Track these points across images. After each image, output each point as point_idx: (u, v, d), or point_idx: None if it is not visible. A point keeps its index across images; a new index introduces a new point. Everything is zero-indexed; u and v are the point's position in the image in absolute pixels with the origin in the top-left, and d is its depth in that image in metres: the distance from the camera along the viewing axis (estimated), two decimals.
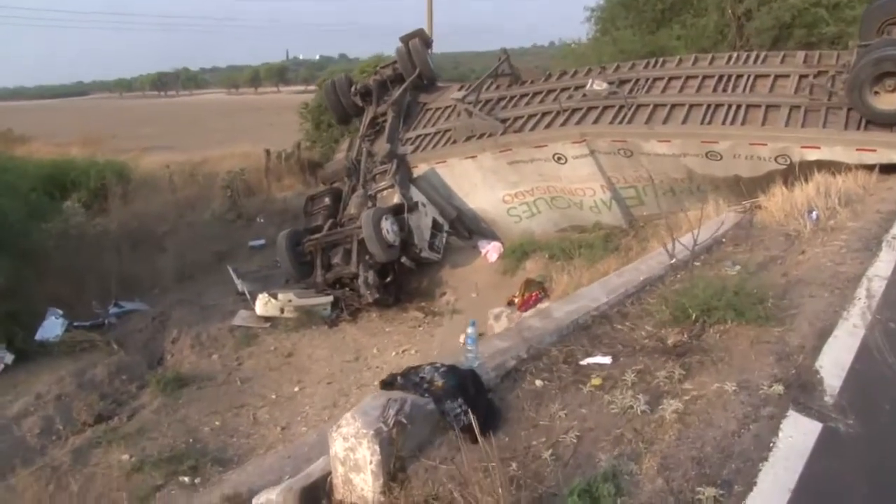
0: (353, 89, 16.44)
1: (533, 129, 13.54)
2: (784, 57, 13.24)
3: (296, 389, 11.26)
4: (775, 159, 11.55)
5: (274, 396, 11.08)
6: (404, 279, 14.48)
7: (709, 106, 12.36)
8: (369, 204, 14.16)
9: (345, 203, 14.72)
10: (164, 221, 16.70)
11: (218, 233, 17.17)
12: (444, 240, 14.79)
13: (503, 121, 14.08)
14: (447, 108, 15.34)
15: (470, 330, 5.34)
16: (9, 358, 11.58)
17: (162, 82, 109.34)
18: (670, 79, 13.46)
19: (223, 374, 11.78)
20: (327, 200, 14.88)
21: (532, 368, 5.43)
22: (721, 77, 12.98)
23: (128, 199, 16.95)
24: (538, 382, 5.15)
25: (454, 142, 14.45)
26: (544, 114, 13.79)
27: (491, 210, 14.91)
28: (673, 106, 12.67)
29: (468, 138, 14.23)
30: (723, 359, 5.18)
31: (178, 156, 23.77)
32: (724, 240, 8.59)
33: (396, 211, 13.78)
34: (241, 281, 14.25)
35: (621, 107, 12.93)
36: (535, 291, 11.35)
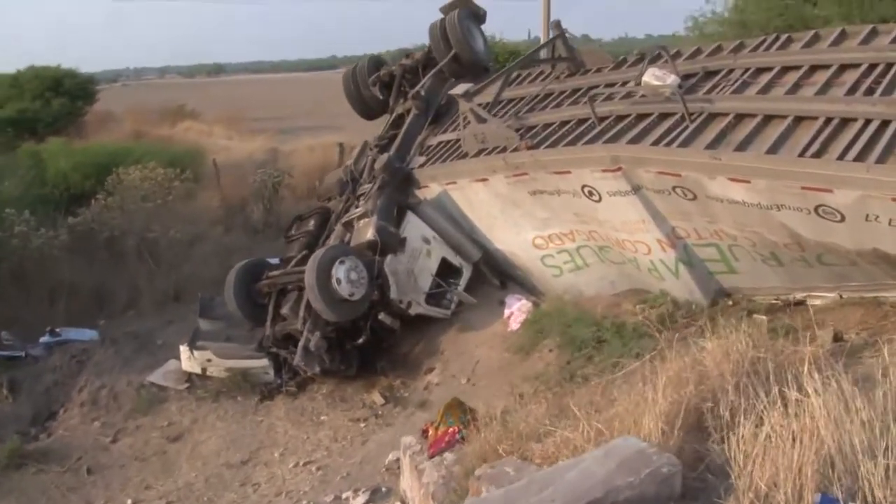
0: (373, 78, 12.65)
1: (552, 145, 8.87)
2: None
3: (129, 503, 8.14)
4: None
5: None
6: (395, 340, 10.64)
7: (827, 121, 6.89)
8: (346, 236, 10.49)
9: (329, 230, 11.15)
10: (185, 227, 14.29)
11: (243, 244, 14.53)
12: (456, 292, 10.63)
13: (528, 129, 9.52)
14: (485, 104, 10.93)
15: None
16: None
17: (406, 57, 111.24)
18: (784, 69, 7.97)
19: (80, 454, 9.03)
20: (312, 224, 11.40)
21: None
22: (872, 66, 7.31)
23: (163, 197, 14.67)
24: None
25: (465, 155, 10.17)
26: (580, 121, 9.00)
27: (522, 256, 10.42)
28: (767, 118, 7.32)
29: (479, 152, 9.89)
30: None
31: (301, 140, 21.74)
32: None
33: (374, 250, 9.95)
34: (203, 319, 11.34)
35: (683, 116, 7.83)
36: (454, 427, 6.94)
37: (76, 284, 12.49)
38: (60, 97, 26.87)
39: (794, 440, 3.23)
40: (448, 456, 6.70)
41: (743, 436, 3.35)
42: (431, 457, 6.87)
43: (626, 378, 5.37)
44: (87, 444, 9.26)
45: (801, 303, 8.34)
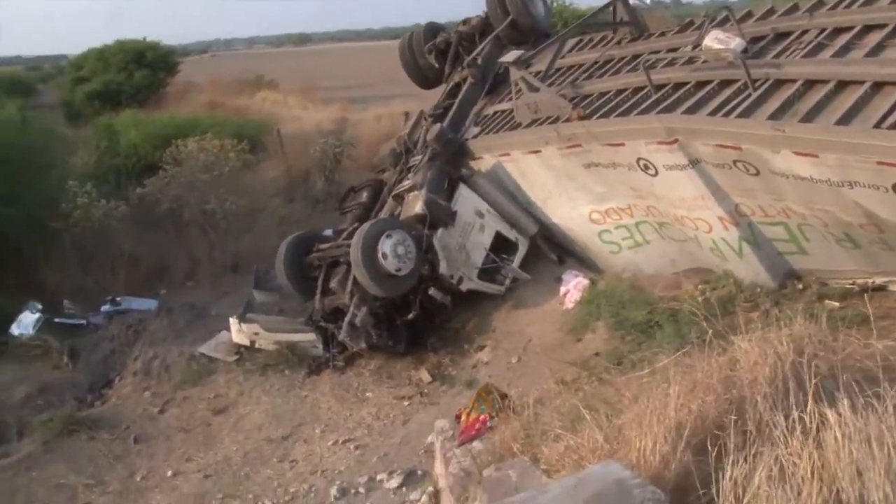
0: (428, 45, 12.19)
1: (605, 115, 8.29)
2: None
3: (169, 474, 8.22)
4: None
5: (139, 478, 8.20)
6: (447, 316, 10.36)
7: None
8: (397, 209, 10.23)
9: (382, 202, 10.91)
10: (245, 198, 14.32)
11: (304, 215, 14.54)
12: (510, 268, 10.24)
13: (583, 98, 8.96)
14: (538, 73, 10.34)
15: None
16: None
17: (463, 23, 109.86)
18: (866, 29, 7.12)
19: (129, 423, 9.19)
20: (365, 196, 11.19)
21: None
22: None
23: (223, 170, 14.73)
24: None
25: (518, 126, 9.69)
26: (636, 90, 8.37)
27: (578, 231, 9.92)
28: (841, 85, 6.56)
29: (532, 122, 9.39)
30: None
31: (371, 109, 21.57)
32: None
33: (423, 223, 9.66)
34: (258, 291, 11.36)
35: (745, 84, 7.12)
36: (485, 415, 6.60)
37: (137, 255, 12.74)
38: (143, 69, 27.58)
39: (802, 482, 2.71)
40: (476, 445, 6.42)
41: (733, 476, 2.84)
42: (461, 444, 6.58)
43: (654, 375, 4.88)
44: (137, 413, 9.43)
45: (881, 288, 7.59)
